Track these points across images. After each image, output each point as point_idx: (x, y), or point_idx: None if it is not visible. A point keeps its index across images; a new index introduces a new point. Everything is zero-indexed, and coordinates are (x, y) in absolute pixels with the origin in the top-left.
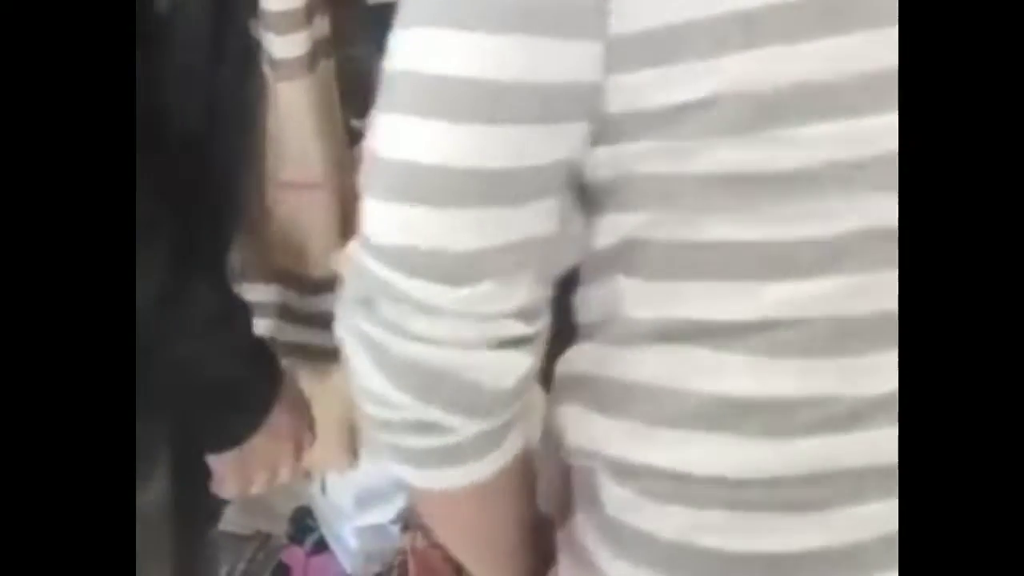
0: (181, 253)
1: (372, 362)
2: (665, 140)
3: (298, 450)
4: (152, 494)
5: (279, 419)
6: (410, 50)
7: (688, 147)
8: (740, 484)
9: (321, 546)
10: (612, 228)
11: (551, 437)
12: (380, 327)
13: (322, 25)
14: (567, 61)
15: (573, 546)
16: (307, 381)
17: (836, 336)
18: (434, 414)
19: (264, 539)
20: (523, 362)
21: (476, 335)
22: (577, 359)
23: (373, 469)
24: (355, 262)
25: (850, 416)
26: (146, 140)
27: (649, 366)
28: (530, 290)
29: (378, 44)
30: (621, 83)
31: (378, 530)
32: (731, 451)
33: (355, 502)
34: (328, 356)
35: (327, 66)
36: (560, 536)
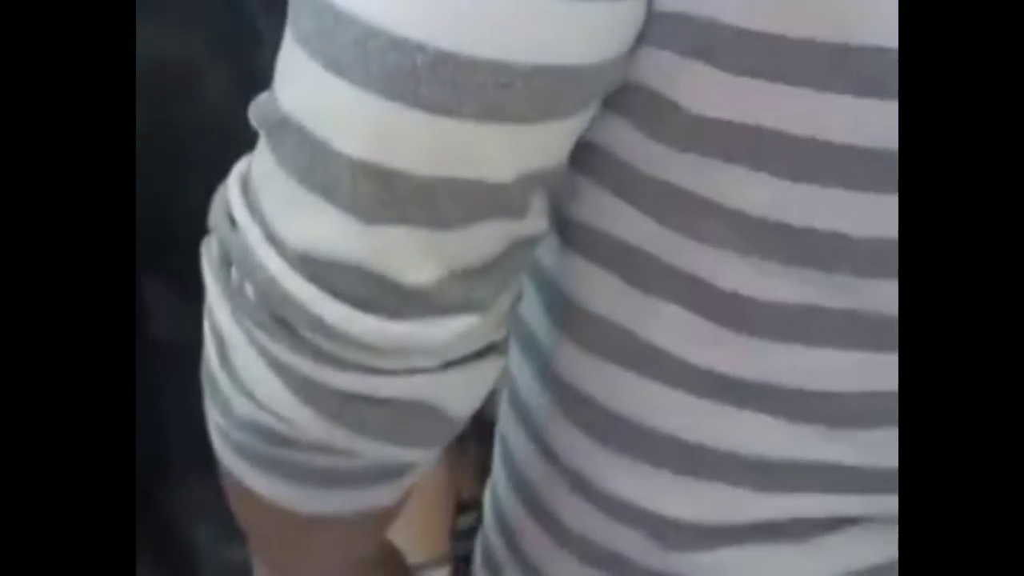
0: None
1: (285, 386)
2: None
3: None
4: None
5: None
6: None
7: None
8: None
9: None
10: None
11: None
12: (300, 355)
13: None
14: None
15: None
16: None
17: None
18: (367, 446)
19: None
20: (491, 372)
21: (439, 360)
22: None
23: None
24: (252, 255)
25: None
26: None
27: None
28: (512, 292)
29: None
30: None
31: None
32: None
33: None
34: None
35: None
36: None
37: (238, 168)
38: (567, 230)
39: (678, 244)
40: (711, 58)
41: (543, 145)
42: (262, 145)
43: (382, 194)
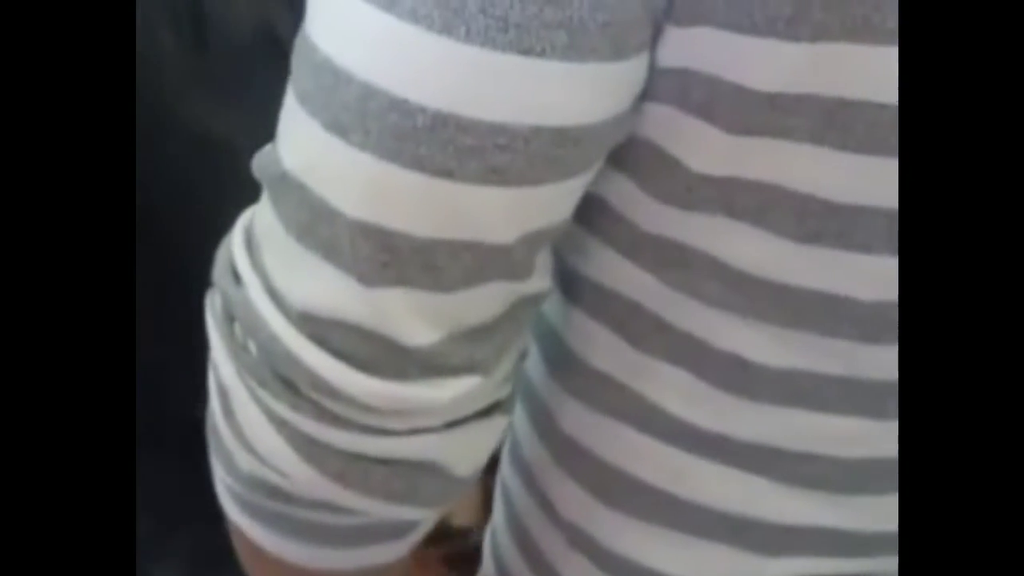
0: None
1: (288, 444)
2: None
3: None
4: None
5: None
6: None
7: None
8: None
9: None
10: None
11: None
12: (302, 414)
13: None
14: None
15: None
16: None
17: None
18: (371, 505)
19: None
20: (496, 430)
21: (443, 420)
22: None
23: None
24: (254, 311)
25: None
26: None
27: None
28: (515, 351)
29: None
30: None
31: None
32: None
33: None
34: None
35: None
36: None
37: (242, 220)
38: (571, 285)
39: (678, 303)
40: (712, 115)
41: (545, 206)
42: (264, 199)
43: (382, 255)
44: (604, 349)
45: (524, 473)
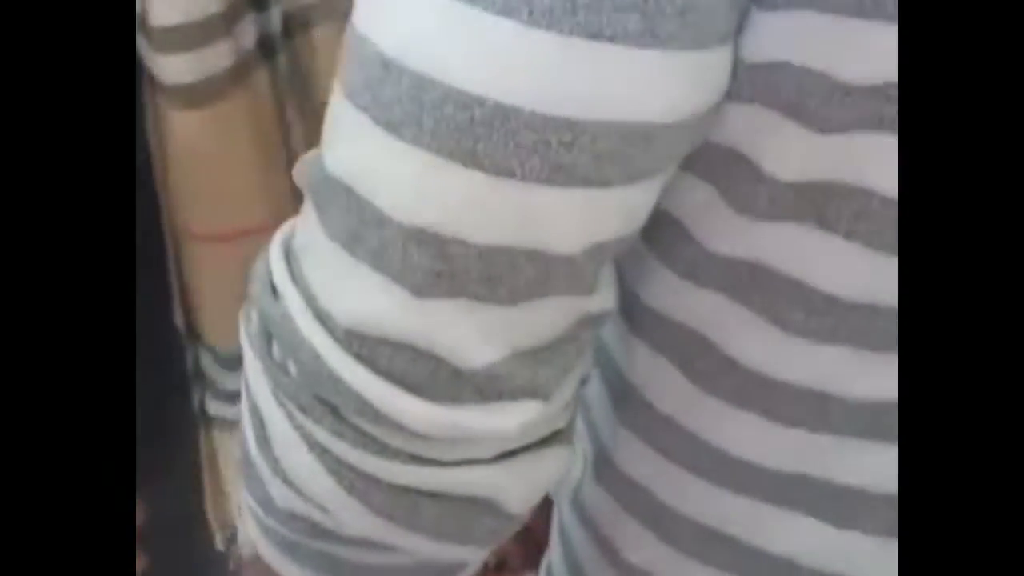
0: None
1: (331, 476)
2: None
3: None
4: None
5: None
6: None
7: None
8: None
9: None
10: None
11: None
12: (346, 441)
13: (248, 31)
14: None
15: None
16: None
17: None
18: (418, 542)
19: None
20: (555, 463)
21: (496, 451)
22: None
23: None
24: (295, 328)
25: None
26: None
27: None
28: (577, 376)
29: None
30: None
31: None
32: None
33: None
34: None
35: (262, 78)
36: None
37: (280, 232)
38: (632, 312)
39: (747, 334)
40: (803, 114)
41: (614, 213)
42: (307, 208)
43: (436, 264)
44: (663, 385)
45: (580, 511)
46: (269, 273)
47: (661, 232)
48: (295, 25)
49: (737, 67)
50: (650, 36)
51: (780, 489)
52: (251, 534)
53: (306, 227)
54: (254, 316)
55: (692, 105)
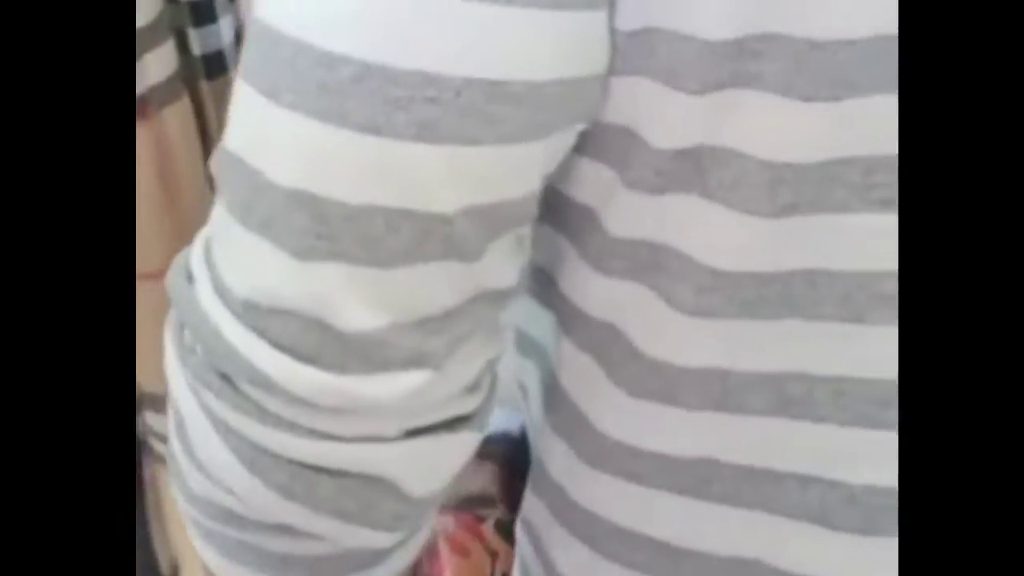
0: None
1: (233, 454)
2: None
3: None
4: None
5: None
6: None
7: None
8: None
9: None
10: None
11: None
12: (246, 415)
13: (166, 61)
14: None
15: None
16: None
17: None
18: (323, 525)
19: None
20: (460, 448)
21: (396, 427)
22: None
23: None
24: (198, 307)
25: None
26: None
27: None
28: (481, 354)
29: None
30: None
31: None
32: None
33: None
34: None
35: (175, 110)
36: None
37: (208, 224)
38: (560, 310)
39: (650, 318)
40: (677, 77)
41: (488, 174)
42: (217, 192)
43: (316, 226)
44: (584, 384)
45: (524, 524)
46: (187, 261)
47: (572, 220)
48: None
49: (615, 37)
50: None
51: (695, 482)
52: (188, 532)
53: (215, 209)
54: (173, 310)
55: (560, 67)
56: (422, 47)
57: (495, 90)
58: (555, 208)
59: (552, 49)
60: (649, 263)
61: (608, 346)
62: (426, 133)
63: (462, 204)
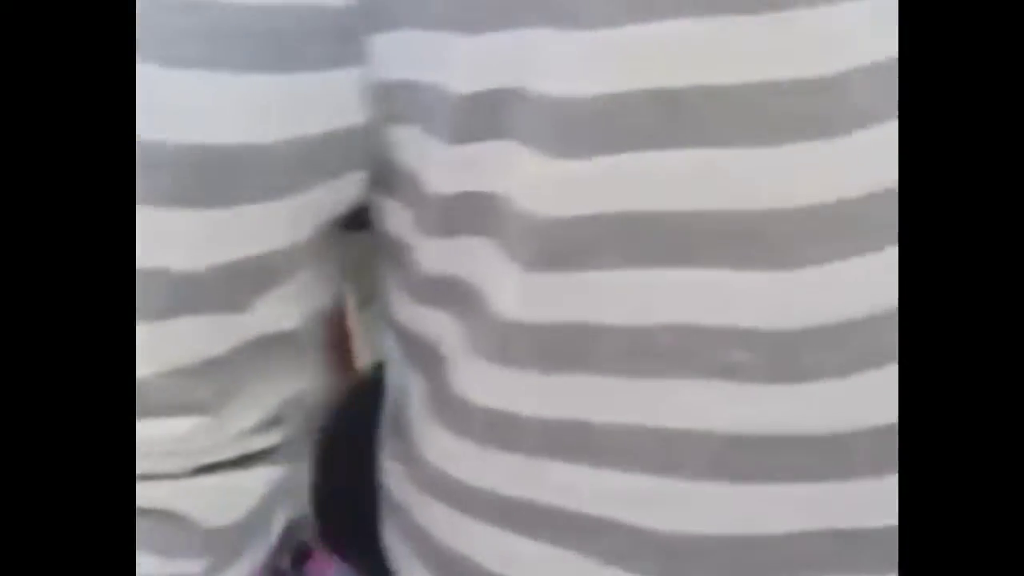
0: None
1: None
2: None
3: None
4: None
5: None
6: None
7: None
8: None
9: None
10: None
11: None
12: None
13: None
14: None
15: None
16: None
17: None
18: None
19: None
20: (256, 483)
21: (182, 466)
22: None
23: None
24: None
25: None
26: None
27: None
28: (270, 394)
29: None
30: None
31: None
32: None
33: None
34: None
35: None
36: None
37: None
38: (401, 339)
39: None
40: (433, 126)
41: (233, 233)
42: None
43: None
44: (410, 409)
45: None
46: None
47: (391, 252)
48: None
49: (379, 89)
50: (210, 61)
51: (506, 513)
52: None
53: None
54: None
55: (277, 129)
56: (145, 116)
57: (209, 155)
58: (378, 240)
59: (263, 112)
60: (452, 298)
61: (429, 369)
62: (160, 198)
63: (212, 262)
